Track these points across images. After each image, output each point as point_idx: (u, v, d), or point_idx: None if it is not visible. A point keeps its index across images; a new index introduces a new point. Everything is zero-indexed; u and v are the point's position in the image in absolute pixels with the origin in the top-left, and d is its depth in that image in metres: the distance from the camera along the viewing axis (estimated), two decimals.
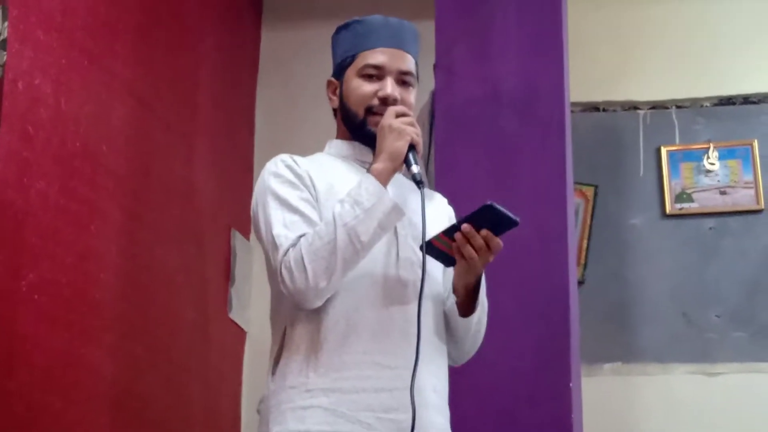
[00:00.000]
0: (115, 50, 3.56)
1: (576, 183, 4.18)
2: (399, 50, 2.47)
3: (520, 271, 3.39)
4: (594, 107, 4.77)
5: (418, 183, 2.31)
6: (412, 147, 2.32)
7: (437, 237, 2.29)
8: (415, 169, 2.31)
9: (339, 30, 2.54)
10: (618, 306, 4.57)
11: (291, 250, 2.25)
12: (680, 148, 4.69)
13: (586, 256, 4.61)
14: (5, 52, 2.79)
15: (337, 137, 2.53)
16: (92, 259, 3.34)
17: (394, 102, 2.41)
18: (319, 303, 2.28)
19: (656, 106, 4.76)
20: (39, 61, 3.05)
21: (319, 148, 2.57)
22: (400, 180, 2.43)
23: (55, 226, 3.11)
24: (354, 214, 2.23)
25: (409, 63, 2.48)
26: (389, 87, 2.43)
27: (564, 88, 3.74)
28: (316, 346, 2.29)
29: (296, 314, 2.33)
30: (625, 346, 4.52)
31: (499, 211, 2.23)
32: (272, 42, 5.03)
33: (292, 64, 4.91)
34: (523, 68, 3.73)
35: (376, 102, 2.42)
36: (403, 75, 2.46)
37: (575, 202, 4.48)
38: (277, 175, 2.38)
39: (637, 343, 4.52)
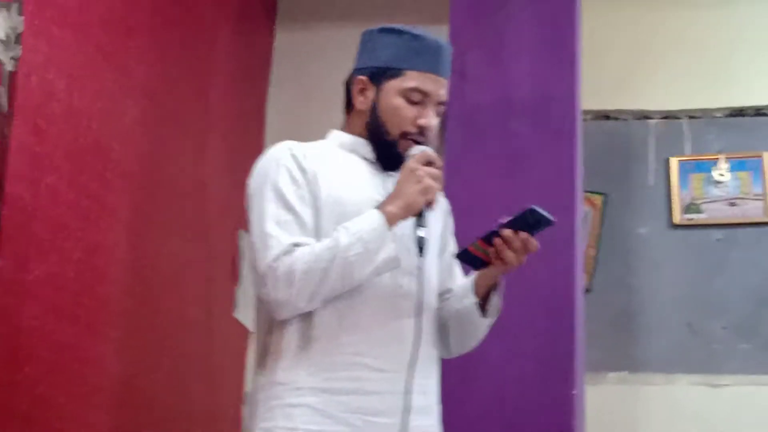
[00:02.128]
0: (129, 47, 3.57)
1: (585, 191, 4.18)
2: (443, 78, 2.44)
3: (527, 277, 3.37)
4: (605, 115, 4.77)
5: (421, 249, 2.30)
6: (427, 204, 2.30)
7: (474, 244, 2.32)
8: (421, 233, 2.29)
9: (385, 31, 2.46)
10: (624, 315, 4.57)
11: (283, 257, 2.22)
12: (691, 158, 4.69)
13: (594, 265, 4.61)
14: (20, 46, 2.80)
15: (345, 129, 2.51)
16: (100, 255, 3.34)
17: (430, 133, 2.40)
18: (288, 317, 2.27)
19: (668, 115, 4.76)
20: (53, 56, 3.05)
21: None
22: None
23: (63, 221, 3.11)
24: (356, 251, 2.22)
25: (446, 92, 2.45)
26: (430, 118, 2.40)
27: (576, 96, 3.74)
28: (307, 344, 2.29)
29: None
30: (630, 356, 4.52)
31: (539, 214, 2.27)
32: (286, 42, 5.03)
33: (305, 65, 4.92)
34: (536, 74, 3.73)
35: (413, 129, 2.39)
36: (439, 105, 2.44)
37: (584, 210, 4.48)
38: (281, 165, 2.34)
39: (642, 353, 4.52)
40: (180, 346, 3.98)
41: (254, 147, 4.81)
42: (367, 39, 2.51)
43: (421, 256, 2.30)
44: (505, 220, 2.29)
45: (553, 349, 3.44)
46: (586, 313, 3.74)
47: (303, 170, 2.34)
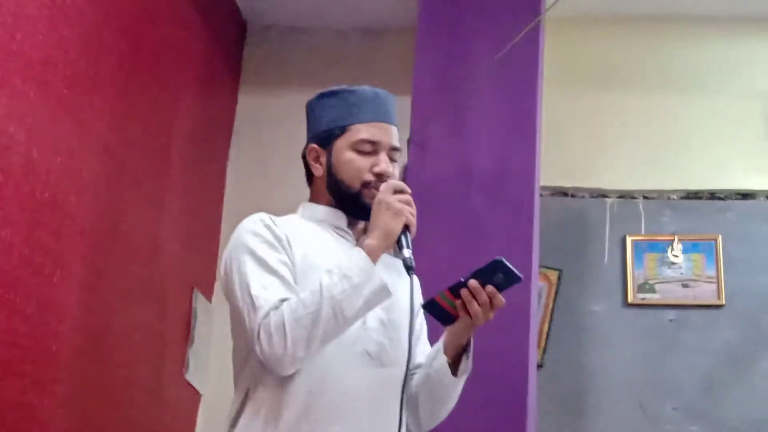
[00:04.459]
0: (91, 104, 3.56)
1: (541, 266, 4.19)
2: (389, 125, 2.48)
3: (481, 349, 3.37)
4: (563, 192, 4.81)
5: (408, 269, 2.30)
6: (406, 228, 2.31)
7: (441, 294, 2.31)
8: (406, 253, 2.30)
9: (323, 96, 2.53)
10: (575, 393, 4.57)
11: (272, 313, 2.23)
12: (645, 238, 4.73)
13: (546, 340, 4.62)
14: None
15: (312, 200, 2.53)
16: (52, 311, 3.30)
17: (388, 179, 2.41)
18: (292, 370, 2.26)
19: (624, 195, 4.80)
20: (15, 109, 3.04)
21: (289, 213, 2.57)
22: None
23: (17, 275, 3.08)
24: (342, 288, 2.22)
25: (397, 138, 2.49)
26: (384, 163, 2.44)
27: (535, 171, 3.77)
28: (277, 412, 2.28)
29: (261, 377, 2.31)
30: None
31: (507, 267, 2.26)
32: (248, 107, 5.05)
33: (266, 131, 4.94)
34: (496, 149, 3.77)
35: (371, 177, 2.42)
36: (393, 151, 2.47)
37: (539, 286, 4.50)
38: (256, 234, 2.37)
39: (592, 431, 4.51)
40: (128, 406, 3.92)
41: (212, 209, 4.80)
42: (310, 109, 2.57)
43: (409, 274, 2.29)
44: (472, 271, 2.29)
45: (505, 424, 3.43)
46: (537, 389, 3.73)
47: (278, 237, 2.37)
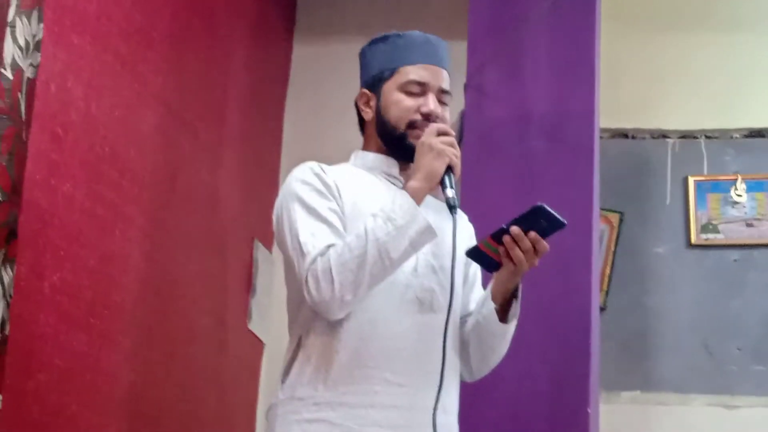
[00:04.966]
0: (147, 57, 3.57)
1: (602, 209, 4.16)
2: (439, 68, 2.47)
3: (543, 294, 3.38)
4: (623, 134, 4.76)
5: (451, 208, 2.29)
6: (449, 169, 2.31)
7: (484, 241, 2.29)
8: (449, 193, 2.30)
9: (374, 42, 2.53)
10: (639, 334, 4.55)
11: (319, 259, 2.24)
12: (708, 178, 4.67)
13: (609, 283, 4.59)
14: (39, 54, 2.80)
15: (364, 149, 2.53)
16: (115, 263, 3.34)
17: (436, 119, 2.41)
18: (342, 314, 2.27)
19: (685, 135, 4.74)
20: (72, 64, 3.05)
21: (346, 161, 2.57)
22: (427, 198, 2.41)
23: (79, 229, 3.11)
24: (386, 230, 2.22)
25: (447, 81, 2.48)
26: (432, 103, 2.42)
27: (594, 113, 3.73)
28: (328, 358, 2.30)
29: (313, 324, 2.33)
30: (644, 375, 4.49)
31: (549, 213, 2.24)
32: (303, 55, 5.04)
33: (322, 78, 4.92)
34: (554, 91, 3.72)
35: (418, 117, 2.42)
36: (443, 93, 2.46)
37: (600, 228, 4.46)
38: (305, 183, 2.38)
39: (656, 372, 4.49)
40: (192, 357, 3.96)
41: (270, 159, 4.81)
42: (362, 56, 2.58)
43: (452, 213, 2.29)
44: (514, 217, 2.27)
45: (568, 368, 3.43)
46: (600, 332, 3.72)
47: (327, 185, 2.38)
